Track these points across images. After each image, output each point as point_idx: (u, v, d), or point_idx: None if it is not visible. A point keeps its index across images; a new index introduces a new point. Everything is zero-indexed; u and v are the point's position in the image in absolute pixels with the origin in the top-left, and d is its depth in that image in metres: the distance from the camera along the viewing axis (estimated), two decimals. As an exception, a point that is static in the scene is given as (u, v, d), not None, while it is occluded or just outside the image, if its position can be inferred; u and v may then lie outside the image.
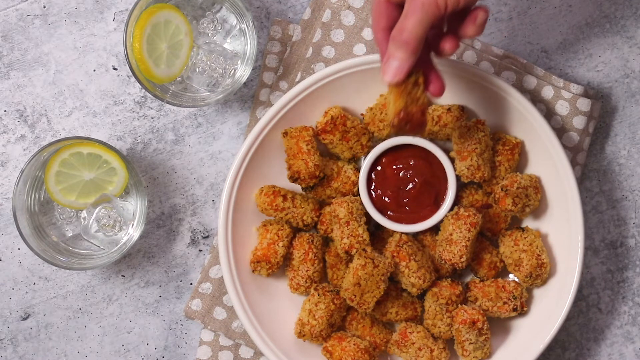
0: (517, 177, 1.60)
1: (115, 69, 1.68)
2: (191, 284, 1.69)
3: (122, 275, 1.69)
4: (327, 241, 1.66)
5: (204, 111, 1.69)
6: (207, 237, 1.69)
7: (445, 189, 1.62)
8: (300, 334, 1.61)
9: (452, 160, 1.61)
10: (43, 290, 1.68)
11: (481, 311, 1.58)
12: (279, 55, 1.68)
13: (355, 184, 1.63)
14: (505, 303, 1.61)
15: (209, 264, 1.67)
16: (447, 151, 1.62)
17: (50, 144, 1.58)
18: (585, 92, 1.66)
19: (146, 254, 1.69)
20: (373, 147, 1.62)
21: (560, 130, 1.66)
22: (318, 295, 1.60)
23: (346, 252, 1.59)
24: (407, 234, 1.62)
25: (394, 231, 1.62)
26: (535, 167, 1.64)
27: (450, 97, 1.63)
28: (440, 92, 1.42)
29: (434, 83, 1.42)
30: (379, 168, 1.62)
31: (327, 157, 1.65)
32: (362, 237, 1.58)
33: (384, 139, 1.62)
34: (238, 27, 1.65)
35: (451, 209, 1.61)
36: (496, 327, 1.64)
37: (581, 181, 1.70)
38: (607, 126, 1.71)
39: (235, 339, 1.67)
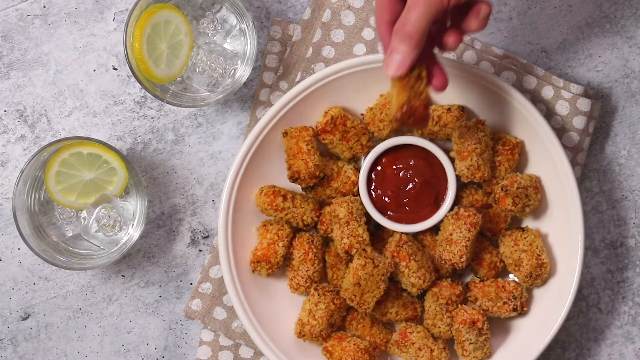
0: (517, 177, 1.60)
1: (115, 69, 1.68)
2: (191, 284, 1.69)
3: (122, 275, 1.69)
4: (327, 241, 1.66)
5: (204, 111, 1.69)
6: (207, 237, 1.69)
7: (445, 189, 1.62)
8: (300, 334, 1.61)
9: (452, 160, 1.61)
10: (43, 290, 1.68)
11: (481, 311, 1.58)
12: (279, 55, 1.68)
13: (355, 184, 1.63)
14: (505, 303, 1.61)
15: (209, 264, 1.67)
16: (447, 151, 1.62)
17: (50, 144, 1.58)
18: (585, 92, 1.66)
19: (146, 254, 1.69)
20: (373, 147, 1.62)
21: (560, 130, 1.66)
22: (318, 295, 1.60)
23: (346, 252, 1.59)
24: (407, 234, 1.62)
25: (394, 231, 1.62)
26: (535, 167, 1.64)
27: (450, 97, 1.63)
28: (443, 86, 1.42)
29: (437, 77, 1.41)
30: (379, 168, 1.62)
31: (327, 157, 1.65)
32: (362, 237, 1.58)
33: (384, 139, 1.62)
34: (238, 27, 1.65)
35: (451, 209, 1.61)
36: (496, 327, 1.64)
37: (581, 181, 1.70)
38: (607, 126, 1.71)
39: (235, 339, 1.67)
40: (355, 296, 1.56)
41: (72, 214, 1.65)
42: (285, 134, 1.60)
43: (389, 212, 1.62)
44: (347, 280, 1.57)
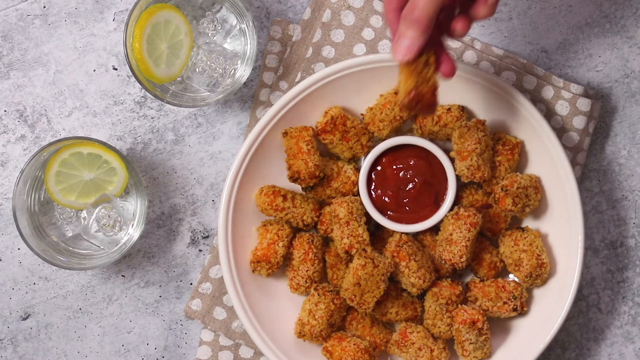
0: (517, 177, 1.60)
1: (115, 69, 1.68)
2: (191, 284, 1.69)
3: (122, 275, 1.69)
4: (327, 241, 1.66)
5: (204, 111, 1.69)
6: (207, 237, 1.69)
7: (445, 189, 1.62)
8: (300, 334, 1.61)
9: (452, 160, 1.61)
10: (43, 290, 1.68)
11: (481, 311, 1.58)
12: (279, 55, 1.68)
13: (355, 184, 1.63)
14: (505, 303, 1.61)
15: (209, 264, 1.67)
16: (447, 151, 1.62)
17: (50, 144, 1.58)
18: (585, 92, 1.66)
19: (146, 254, 1.69)
20: (373, 147, 1.62)
21: (560, 130, 1.66)
22: (318, 295, 1.60)
23: (346, 252, 1.59)
24: (407, 234, 1.62)
25: (394, 231, 1.62)
26: (535, 167, 1.64)
27: (450, 97, 1.63)
28: (451, 73, 1.41)
29: (445, 64, 1.41)
30: (379, 168, 1.62)
31: (327, 157, 1.65)
32: (362, 237, 1.58)
33: (384, 139, 1.62)
34: (238, 27, 1.65)
35: (451, 209, 1.61)
36: (496, 327, 1.64)
37: (581, 181, 1.70)
38: (607, 126, 1.71)
39: (235, 339, 1.67)
40: (355, 296, 1.56)
41: (72, 214, 1.65)
42: (285, 134, 1.60)
43: (389, 212, 1.62)
44: (347, 280, 1.57)
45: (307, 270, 1.62)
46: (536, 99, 1.66)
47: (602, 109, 1.70)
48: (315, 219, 1.63)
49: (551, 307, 1.62)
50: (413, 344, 1.60)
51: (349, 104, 1.64)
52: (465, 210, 1.59)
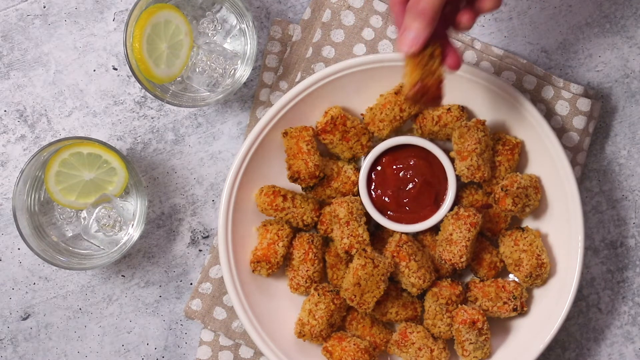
0: (517, 177, 1.60)
1: (115, 69, 1.68)
2: (191, 284, 1.69)
3: (122, 275, 1.69)
4: (327, 241, 1.66)
5: (204, 111, 1.69)
6: (207, 237, 1.69)
7: (445, 189, 1.62)
8: (300, 334, 1.61)
9: (452, 160, 1.61)
10: (43, 290, 1.68)
11: (481, 311, 1.58)
12: (279, 55, 1.68)
13: (355, 184, 1.63)
14: (505, 303, 1.61)
15: (209, 264, 1.67)
16: (447, 151, 1.62)
17: (50, 144, 1.58)
18: (585, 92, 1.66)
19: (146, 254, 1.69)
20: (373, 147, 1.62)
21: (560, 130, 1.66)
22: (318, 295, 1.60)
23: (346, 252, 1.59)
24: (407, 234, 1.62)
25: (394, 231, 1.62)
26: (535, 167, 1.64)
27: (450, 97, 1.63)
28: (457, 66, 1.41)
29: (450, 56, 1.41)
30: (379, 168, 1.62)
31: (327, 157, 1.65)
32: (362, 237, 1.58)
33: (384, 139, 1.62)
34: (238, 27, 1.65)
35: (451, 209, 1.61)
36: (496, 327, 1.64)
37: (581, 181, 1.70)
38: (607, 126, 1.71)
39: (235, 339, 1.67)
40: (355, 296, 1.56)
41: (72, 214, 1.65)
42: (285, 134, 1.60)
43: (389, 212, 1.62)
44: (347, 280, 1.57)
45: (307, 270, 1.62)
46: (536, 99, 1.66)
47: (602, 109, 1.70)
48: (315, 219, 1.63)
49: (551, 307, 1.62)
50: (413, 344, 1.60)
51: (349, 104, 1.64)
52: (465, 210, 1.59)
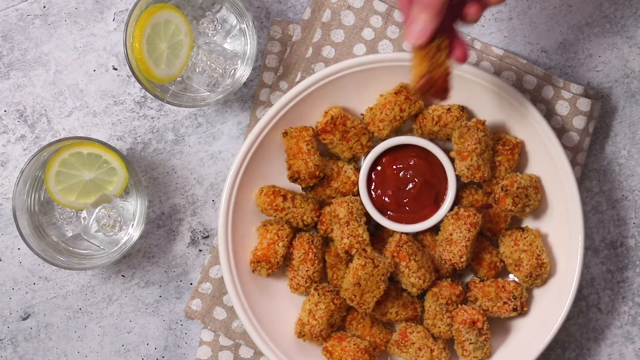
0: (517, 177, 1.60)
1: (115, 69, 1.68)
2: (191, 284, 1.69)
3: (122, 275, 1.69)
4: (327, 241, 1.66)
5: (204, 111, 1.69)
6: (207, 237, 1.69)
7: (445, 189, 1.62)
8: (300, 334, 1.61)
9: (452, 160, 1.61)
10: (43, 290, 1.68)
11: (481, 311, 1.58)
12: (279, 55, 1.68)
13: (355, 184, 1.63)
14: (505, 303, 1.61)
15: (209, 264, 1.67)
16: (447, 151, 1.62)
17: (50, 144, 1.58)
18: (585, 92, 1.66)
19: (146, 254, 1.69)
20: (373, 147, 1.62)
21: (560, 130, 1.66)
22: (318, 295, 1.60)
23: (346, 252, 1.59)
24: (407, 234, 1.62)
25: (394, 231, 1.62)
26: (535, 167, 1.64)
27: (450, 97, 1.62)
28: (464, 58, 1.41)
29: (458, 49, 1.41)
30: (379, 168, 1.62)
31: (327, 157, 1.65)
32: (362, 237, 1.58)
33: (384, 139, 1.62)
34: (238, 27, 1.65)
35: (451, 209, 1.61)
36: (496, 327, 1.64)
37: (581, 181, 1.70)
38: (607, 126, 1.71)
39: (235, 339, 1.67)
40: (355, 296, 1.56)
41: (72, 214, 1.65)
42: (285, 134, 1.60)
43: (389, 212, 1.62)
44: (347, 280, 1.57)
45: (307, 270, 1.62)
46: (536, 99, 1.66)
47: (602, 109, 1.70)
48: (315, 219, 1.63)
49: (551, 307, 1.62)
50: (413, 344, 1.60)
51: (349, 104, 1.64)
52: (465, 210, 1.59)
